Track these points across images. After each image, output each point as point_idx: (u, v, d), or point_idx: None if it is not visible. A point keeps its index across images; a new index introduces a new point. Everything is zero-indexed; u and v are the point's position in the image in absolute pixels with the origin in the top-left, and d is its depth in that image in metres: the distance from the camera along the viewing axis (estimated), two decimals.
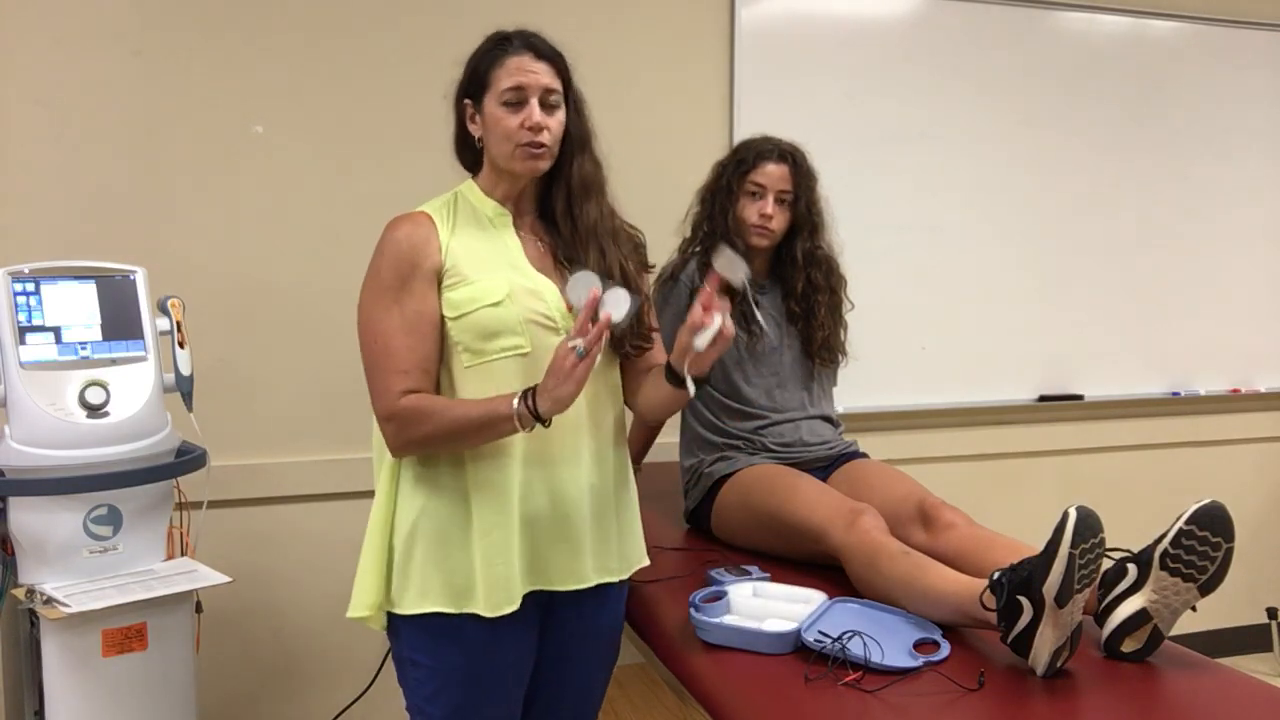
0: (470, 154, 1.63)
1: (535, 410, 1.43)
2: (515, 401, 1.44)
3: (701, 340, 1.43)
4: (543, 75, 1.52)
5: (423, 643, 1.56)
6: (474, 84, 1.56)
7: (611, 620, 1.69)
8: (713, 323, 1.43)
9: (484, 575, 1.51)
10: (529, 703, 1.65)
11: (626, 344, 1.63)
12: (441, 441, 1.51)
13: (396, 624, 1.58)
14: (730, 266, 1.51)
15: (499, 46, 1.54)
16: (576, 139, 1.59)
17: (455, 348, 1.53)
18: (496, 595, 1.52)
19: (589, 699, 1.72)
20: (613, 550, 1.63)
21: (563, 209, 1.61)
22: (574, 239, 1.61)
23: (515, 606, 1.53)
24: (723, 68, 2.90)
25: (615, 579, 1.65)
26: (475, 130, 1.58)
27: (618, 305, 1.42)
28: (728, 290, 1.53)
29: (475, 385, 1.52)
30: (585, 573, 1.60)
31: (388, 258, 1.52)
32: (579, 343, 1.38)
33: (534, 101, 1.51)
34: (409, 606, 1.54)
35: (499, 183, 1.60)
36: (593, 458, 1.59)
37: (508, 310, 1.51)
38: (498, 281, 1.53)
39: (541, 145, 1.52)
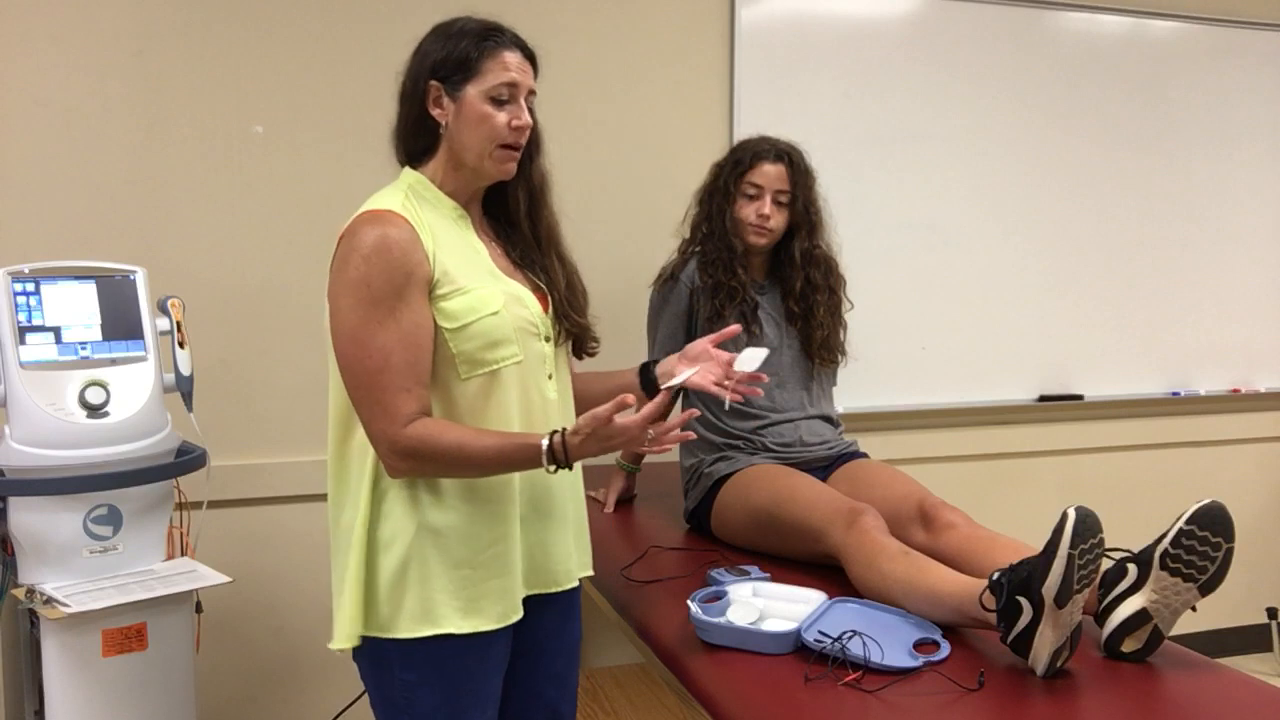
0: (425, 139, 1.51)
1: (566, 455, 1.40)
2: (545, 442, 1.40)
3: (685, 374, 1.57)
4: (529, 76, 1.51)
5: (417, 663, 1.47)
6: (453, 68, 1.47)
7: (577, 614, 1.68)
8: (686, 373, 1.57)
9: (490, 589, 1.48)
10: (504, 701, 1.61)
11: (586, 345, 1.64)
12: (453, 472, 1.45)
13: (385, 648, 1.47)
14: (752, 360, 1.60)
15: (490, 37, 1.48)
16: (536, 140, 1.58)
17: (451, 360, 1.45)
18: (502, 607, 1.50)
19: (565, 693, 1.69)
20: (584, 546, 1.67)
21: (524, 210, 1.59)
22: (535, 242, 1.59)
23: (520, 615, 1.52)
24: (723, 68, 2.90)
25: (589, 574, 1.68)
26: (441, 116, 1.48)
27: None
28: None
29: (473, 397, 1.47)
30: (571, 572, 1.62)
31: (377, 265, 1.39)
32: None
33: (522, 101, 1.49)
34: (408, 630, 1.45)
35: (457, 179, 1.52)
36: None
37: (504, 319, 1.47)
38: (492, 290, 1.48)
39: (519, 147, 1.51)
